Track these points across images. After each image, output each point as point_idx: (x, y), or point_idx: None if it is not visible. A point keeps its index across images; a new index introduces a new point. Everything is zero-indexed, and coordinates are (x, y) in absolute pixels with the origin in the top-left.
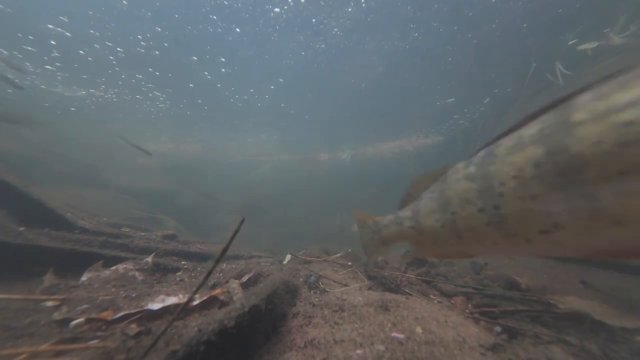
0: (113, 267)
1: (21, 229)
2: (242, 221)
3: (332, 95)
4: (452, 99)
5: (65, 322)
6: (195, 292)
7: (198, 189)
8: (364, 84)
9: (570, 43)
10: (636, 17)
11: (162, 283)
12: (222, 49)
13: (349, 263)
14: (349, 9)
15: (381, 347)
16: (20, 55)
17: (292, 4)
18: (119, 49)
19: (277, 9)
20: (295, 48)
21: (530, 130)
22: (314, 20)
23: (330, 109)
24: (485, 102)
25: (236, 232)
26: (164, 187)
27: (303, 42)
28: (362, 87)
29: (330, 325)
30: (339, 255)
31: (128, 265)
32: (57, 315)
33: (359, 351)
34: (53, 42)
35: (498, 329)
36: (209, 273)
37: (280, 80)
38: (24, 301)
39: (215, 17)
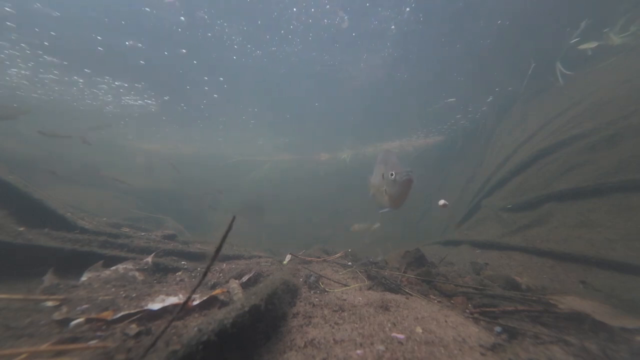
0: (113, 267)
1: (21, 229)
2: (234, 219)
3: (333, 96)
4: (453, 99)
5: (65, 322)
6: (193, 292)
7: (198, 188)
8: (364, 84)
9: (572, 42)
10: (636, 17)
11: (162, 283)
12: (226, 54)
13: (349, 263)
14: (337, 19)
15: (381, 347)
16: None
17: (295, 9)
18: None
19: (292, 25)
20: (298, 52)
21: None
22: (312, 21)
23: (330, 109)
24: (488, 100)
25: (228, 230)
26: (164, 187)
27: (305, 46)
28: (362, 88)
29: (330, 325)
30: (339, 255)
31: (128, 265)
32: (57, 315)
33: (359, 351)
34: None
35: (498, 329)
36: (205, 272)
37: (283, 82)
38: (24, 301)
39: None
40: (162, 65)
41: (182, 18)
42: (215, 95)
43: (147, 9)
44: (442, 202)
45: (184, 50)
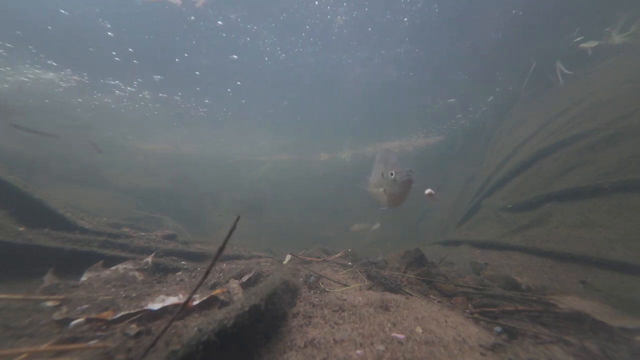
0: (113, 267)
1: (21, 229)
2: (238, 219)
3: (333, 96)
4: (453, 99)
5: (65, 322)
6: (194, 292)
7: (197, 188)
8: (364, 85)
9: (575, 40)
10: (636, 16)
11: (162, 283)
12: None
13: (349, 263)
14: (354, 13)
15: (381, 347)
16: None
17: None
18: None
19: (308, 26)
20: (298, 52)
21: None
22: (313, 22)
23: (330, 109)
24: (489, 100)
25: (232, 230)
26: (164, 187)
27: (305, 46)
28: (363, 88)
29: (330, 325)
30: (339, 255)
31: (128, 265)
32: (57, 315)
33: (359, 351)
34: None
35: (498, 329)
36: (207, 272)
37: (286, 84)
38: (24, 301)
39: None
40: (212, 72)
41: (219, 22)
42: (243, 101)
43: (192, 17)
44: (428, 190)
45: (235, 56)
